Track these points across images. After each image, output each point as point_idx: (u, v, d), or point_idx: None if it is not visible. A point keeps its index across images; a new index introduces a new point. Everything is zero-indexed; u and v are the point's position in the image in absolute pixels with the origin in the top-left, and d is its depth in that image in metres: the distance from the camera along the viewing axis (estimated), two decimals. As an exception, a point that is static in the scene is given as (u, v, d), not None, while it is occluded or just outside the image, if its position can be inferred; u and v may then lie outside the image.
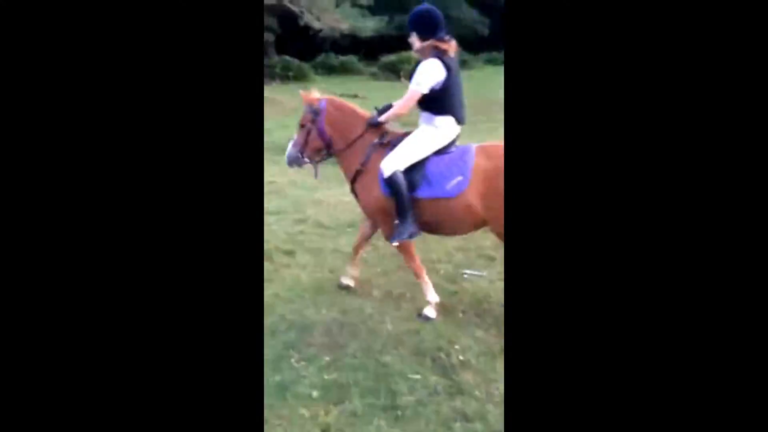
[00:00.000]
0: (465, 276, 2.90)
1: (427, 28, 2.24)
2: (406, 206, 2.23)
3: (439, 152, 2.32)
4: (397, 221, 2.29)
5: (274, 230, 3.53)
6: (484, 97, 9.18)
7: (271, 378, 1.96)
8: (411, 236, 2.31)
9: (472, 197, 2.22)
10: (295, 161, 2.61)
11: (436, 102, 2.26)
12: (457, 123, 2.34)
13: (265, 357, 2.10)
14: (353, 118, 2.49)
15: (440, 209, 2.27)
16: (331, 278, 2.88)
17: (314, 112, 2.49)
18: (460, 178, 2.21)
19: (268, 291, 2.65)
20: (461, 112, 2.34)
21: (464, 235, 2.80)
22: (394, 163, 2.25)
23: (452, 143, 2.37)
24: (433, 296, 2.46)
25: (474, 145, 2.35)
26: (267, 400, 1.80)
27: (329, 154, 2.60)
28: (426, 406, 1.82)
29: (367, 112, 2.55)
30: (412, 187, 2.25)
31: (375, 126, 2.45)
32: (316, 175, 2.74)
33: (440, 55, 2.22)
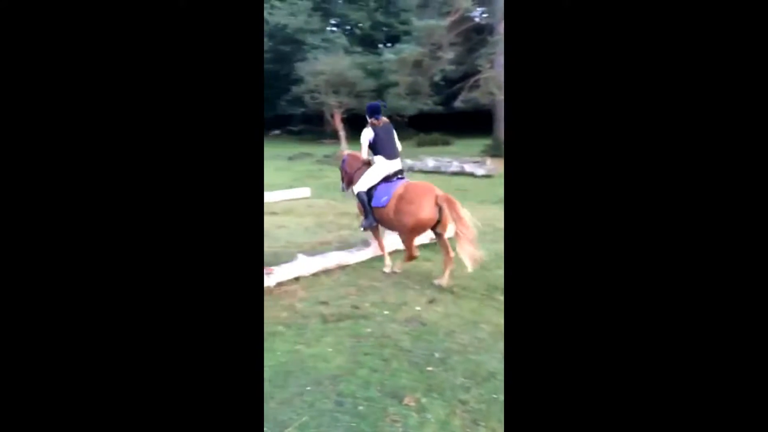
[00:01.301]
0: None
1: (371, 113, 4.08)
2: (366, 209, 3.99)
3: (386, 180, 3.95)
4: (363, 217, 4.08)
5: (486, 275, 3.78)
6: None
7: (482, 387, 2.10)
8: (372, 225, 4.01)
9: (391, 208, 3.73)
10: (342, 190, 4.64)
11: (373, 149, 4.06)
12: (387, 159, 3.97)
13: (487, 368, 2.26)
14: (358, 160, 4.32)
15: (380, 214, 3.91)
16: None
17: (343, 161, 4.55)
18: (386, 197, 3.81)
19: (486, 323, 2.91)
20: (388, 152, 3.99)
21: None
22: (358, 186, 4.08)
23: (396, 174, 3.99)
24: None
25: (404, 180, 3.93)
26: (477, 406, 1.95)
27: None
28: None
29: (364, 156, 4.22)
30: (370, 199, 3.95)
31: (366, 163, 4.23)
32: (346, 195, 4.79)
33: (373, 125, 4.04)
